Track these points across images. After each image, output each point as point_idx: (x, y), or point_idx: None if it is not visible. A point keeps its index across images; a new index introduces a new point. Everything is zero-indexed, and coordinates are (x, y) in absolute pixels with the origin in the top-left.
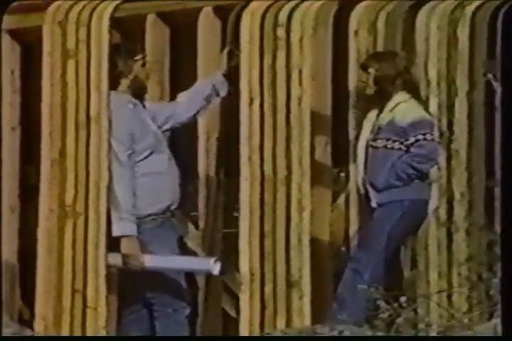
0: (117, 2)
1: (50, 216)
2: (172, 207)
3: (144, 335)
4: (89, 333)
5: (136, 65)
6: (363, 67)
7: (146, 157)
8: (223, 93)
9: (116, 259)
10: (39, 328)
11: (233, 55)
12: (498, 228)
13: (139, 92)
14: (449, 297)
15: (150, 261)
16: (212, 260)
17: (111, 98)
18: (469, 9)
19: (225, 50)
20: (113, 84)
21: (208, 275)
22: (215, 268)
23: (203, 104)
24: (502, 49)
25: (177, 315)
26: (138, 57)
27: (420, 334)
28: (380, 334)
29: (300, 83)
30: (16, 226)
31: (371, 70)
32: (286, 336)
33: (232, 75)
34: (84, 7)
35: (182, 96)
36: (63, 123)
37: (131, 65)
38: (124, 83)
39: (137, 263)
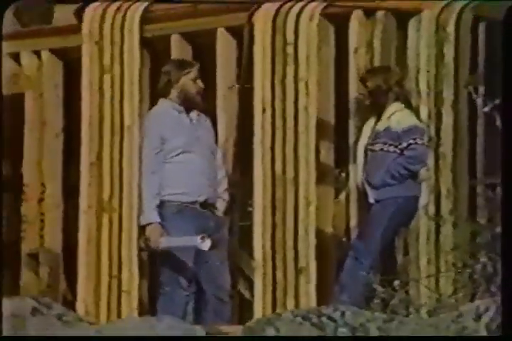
0: (147, 26)
1: (89, 211)
2: (198, 200)
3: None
4: (124, 314)
5: (186, 78)
6: (362, 80)
7: (177, 155)
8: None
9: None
10: (80, 309)
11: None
12: (497, 227)
13: (187, 102)
14: (437, 281)
15: (163, 243)
16: (198, 237)
17: (159, 103)
18: (451, 29)
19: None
20: (164, 92)
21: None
22: (204, 245)
23: None
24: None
25: (175, 292)
26: (186, 71)
27: (412, 313)
28: (377, 314)
29: (307, 94)
30: (60, 220)
31: (368, 83)
32: (286, 336)
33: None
34: (118, 28)
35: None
36: (100, 131)
37: (180, 77)
38: (174, 92)
39: (154, 244)
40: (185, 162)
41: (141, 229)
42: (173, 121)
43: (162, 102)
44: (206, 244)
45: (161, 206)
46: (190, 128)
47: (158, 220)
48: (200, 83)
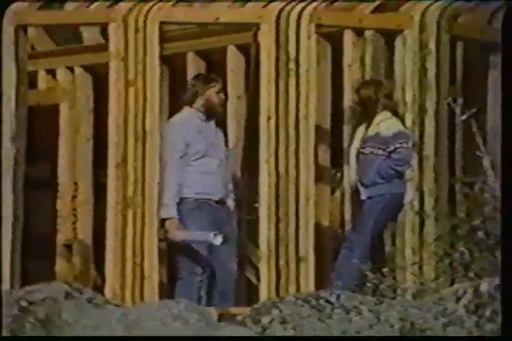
0: (165, 45)
1: (115, 206)
2: (214, 199)
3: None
4: (146, 298)
5: (210, 91)
6: (355, 91)
7: (197, 159)
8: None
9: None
10: (108, 293)
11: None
12: (475, 220)
13: (210, 112)
14: (421, 268)
15: (179, 235)
16: (211, 234)
17: (184, 111)
18: (432, 47)
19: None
20: (189, 102)
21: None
22: (216, 240)
23: None
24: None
25: (190, 278)
26: (212, 84)
27: (398, 297)
28: (368, 297)
29: (306, 104)
30: (90, 215)
31: (360, 94)
32: (287, 336)
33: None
34: (141, 47)
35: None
36: (125, 136)
37: (206, 90)
38: (199, 102)
39: (171, 236)
40: (204, 165)
41: (161, 222)
42: (197, 128)
43: (187, 110)
44: (218, 240)
45: (181, 203)
46: (209, 134)
47: (176, 215)
48: (222, 95)
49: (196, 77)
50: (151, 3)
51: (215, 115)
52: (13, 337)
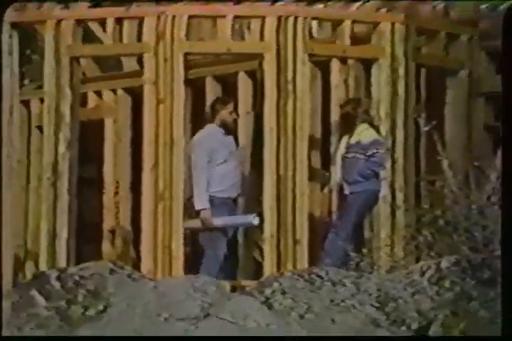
0: (189, 71)
1: (150, 200)
2: (232, 196)
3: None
4: (173, 273)
5: (225, 111)
6: (340, 107)
7: (221, 163)
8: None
9: (195, 223)
10: (143, 270)
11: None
12: (436, 211)
13: (226, 127)
14: (392, 249)
15: (216, 221)
16: (252, 216)
17: (208, 127)
18: (402, 73)
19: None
20: (210, 120)
21: (245, 236)
22: (255, 221)
23: None
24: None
25: (214, 256)
26: (227, 106)
27: (374, 272)
28: (351, 272)
29: (301, 118)
30: (129, 206)
31: (345, 110)
32: (287, 336)
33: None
34: (169, 73)
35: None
36: (156, 144)
37: (222, 110)
38: (218, 119)
39: (208, 223)
40: (225, 169)
41: (197, 212)
42: (219, 140)
43: (209, 127)
44: (256, 221)
45: (210, 198)
46: (227, 145)
47: (209, 206)
48: (234, 115)
49: (215, 100)
50: (176, 37)
51: (231, 130)
52: (13, 337)
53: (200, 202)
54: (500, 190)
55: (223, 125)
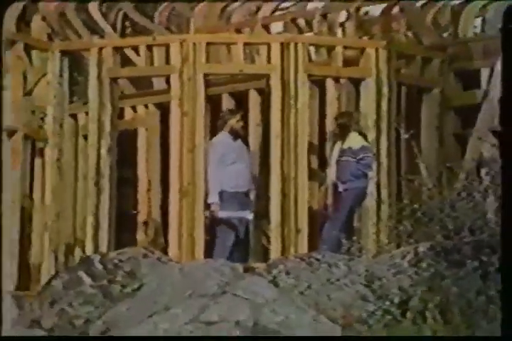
0: (208, 89)
1: (176, 196)
2: (242, 191)
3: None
4: (195, 257)
5: (233, 120)
6: (334, 119)
7: (231, 164)
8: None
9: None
10: (171, 255)
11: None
12: (414, 205)
13: (235, 134)
14: (378, 236)
15: (221, 214)
16: (248, 212)
17: (220, 134)
18: (386, 91)
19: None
20: (221, 128)
21: (256, 226)
22: (250, 216)
23: None
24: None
25: (223, 244)
26: (235, 115)
27: (363, 255)
28: (343, 255)
29: (302, 127)
30: (159, 201)
31: (338, 121)
32: (286, 336)
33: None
34: (191, 90)
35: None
36: (181, 148)
37: (230, 119)
38: (227, 127)
39: (215, 214)
40: (235, 168)
41: (208, 205)
42: (229, 145)
43: (221, 134)
44: (251, 216)
45: (221, 193)
46: (237, 148)
47: (218, 201)
48: (241, 123)
49: (225, 111)
50: (197, 61)
51: (239, 136)
52: (13, 337)
53: (211, 197)
54: (501, 189)
55: (232, 131)
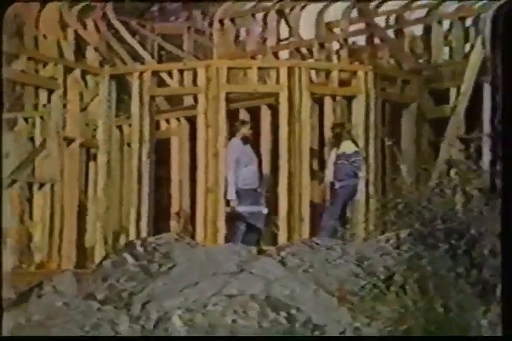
0: (229, 104)
1: (202, 192)
2: (253, 188)
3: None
4: (218, 242)
5: (244, 128)
6: (331, 129)
7: (244, 166)
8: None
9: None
10: (198, 239)
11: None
12: (396, 199)
13: (245, 140)
14: (367, 225)
15: (239, 208)
16: (263, 206)
17: (233, 140)
18: (372, 105)
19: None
20: (234, 134)
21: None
22: (265, 210)
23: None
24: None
25: (237, 232)
26: (244, 125)
27: (355, 240)
28: (339, 241)
29: (305, 136)
30: (188, 196)
31: (334, 130)
32: (285, 336)
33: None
34: (215, 106)
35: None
36: (206, 153)
37: (242, 127)
38: (239, 133)
39: (233, 209)
40: (248, 170)
41: (227, 201)
42: (241, 149)
43: (234, 139)
44: (266, 210)
45: (238, 191)
46: (248, 152)
47: (235, 198)
48: (250, 131)
49: (237, 121)
50: (220, 82)
51: (248, 141)
52: (13, 337)
53: (230, 194)
54: (501, 189)
55: (243, 138)
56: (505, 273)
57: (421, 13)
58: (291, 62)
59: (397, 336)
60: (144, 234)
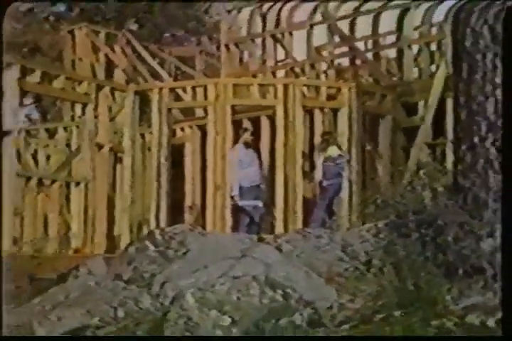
0: (234, 116)
1: (212, 188)
2: (255, 184)
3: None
4: (225, 230)
5: (246, 134)
6: (320, 136)
7: (246, 167)
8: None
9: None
10: (208, 229)
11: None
12: (375, 195)
13: (247, 144)
14: (350, 216)
15: (241, 202)
16: (259, 201)
17: (236, 145)
18: (355, 117)
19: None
20: (238, 139)
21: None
22: (260, 204)
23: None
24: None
25: (243, 221)
26: (246, 132)
27: (340, 229)
28: (327, 230)
29: (298, 142)
30: (200, 192)
31: (323, 137)
32: (285, 336)
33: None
34: (224, 115)
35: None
36: (215, 156)
37: (243, 134)
38: (242, 139)
39: (236, 203)
40: (250, 170)
41: (232, 196)
42: (243, 152)
43: (238, 144)
44: (261, 204)
45: (241, 188)
46: (249, 155)
47: (238, 194)
48: (251, 137)
49: (241, 129)
50: (227, 96)
51: (249, 146)
52: (13, 337)
53: (233, 191)
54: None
55: (245, 143)
56: (505, 274)
57: (392, 38)
58: (287, 80)
59: (396, 336)
60: (162, 224)
